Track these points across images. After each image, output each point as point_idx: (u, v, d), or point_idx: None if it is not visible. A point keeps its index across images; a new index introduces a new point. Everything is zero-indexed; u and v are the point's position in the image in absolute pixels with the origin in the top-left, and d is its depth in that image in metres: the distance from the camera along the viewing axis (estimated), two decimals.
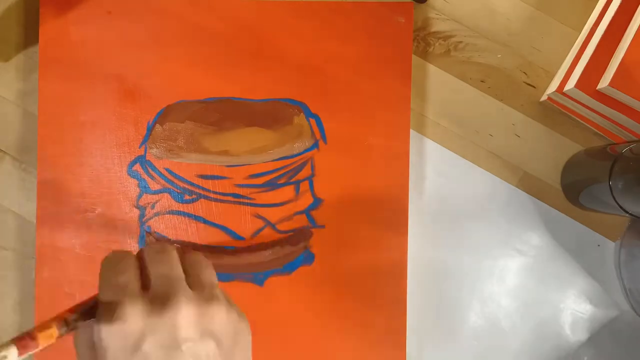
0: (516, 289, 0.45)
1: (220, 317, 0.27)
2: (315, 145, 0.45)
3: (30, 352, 0.24)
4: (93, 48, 0.45)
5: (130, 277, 0.27)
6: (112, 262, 0.27)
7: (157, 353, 0.25)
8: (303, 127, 0.45)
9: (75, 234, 0.44)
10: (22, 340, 0.24)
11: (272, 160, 0.45)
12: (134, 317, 0.25)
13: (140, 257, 0.28)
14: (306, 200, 0.45)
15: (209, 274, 0.28)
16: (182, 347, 0.25)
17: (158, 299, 0.26)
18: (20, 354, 0.24)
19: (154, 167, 0.45)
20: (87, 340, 0.26)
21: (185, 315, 0.25)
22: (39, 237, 0.44)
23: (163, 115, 0.45)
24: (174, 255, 0.28)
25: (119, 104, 0.45)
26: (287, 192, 0.45)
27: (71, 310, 0.26)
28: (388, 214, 0.44)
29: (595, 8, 0.45)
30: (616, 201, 0.38)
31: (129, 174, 0.45)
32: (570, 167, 0.45)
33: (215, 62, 0.45)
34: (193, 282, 0.27)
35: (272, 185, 0.45)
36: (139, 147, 0.45)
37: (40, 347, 0.24)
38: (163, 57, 0.45)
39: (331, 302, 0.44)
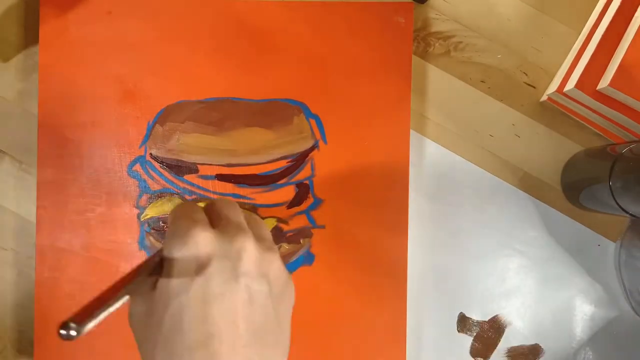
0: (516, 289, 0.45)
1: (277, 265, 0.29)
2: (315, 145, 0.45)
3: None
4: (93, 48, 0.45)
5: (202, 215, 0.29)
6: (184, 207, 0.30)
7: (218, 278, 0.26)
8: (303, 127, 0.45)
9: (75, 234, 0.44)
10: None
11: (272, 161, 0.45)
12: (205, 241, 0.27)
13: (208, 209, 0.31)
14: (306, 200, 0.45)
15: (268, 232, 0.31)
16: (240, 279, 0.27)
17: (227, 234, 0.28)
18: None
19: (154, 167, 0.45)
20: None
21: (249, 253, 0.28)
22: (39, 237, 0.44)
23: (163, 116, 0.45)
24: (241, 210, 0.31)
25: (119, 104, 0.45)
26: (287, 192, 0.45)
27: (135, 272, 0.27)
28: (388, 214, 0.44)
29: (595, 8, 0.45)
30: (616, 201, 0.38)
31: (129, 174, 0.45)
32: (570, 167, 0.45)
33: (215, 62, 0.45)
34: (255, 235, 0.29)
35: (272, 186, 0.45)
36: (139, 148, 0.45)
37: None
38: (163, 57, 0.45)
39: (331, 302, 0.44)
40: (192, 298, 0.25)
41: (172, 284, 0.26)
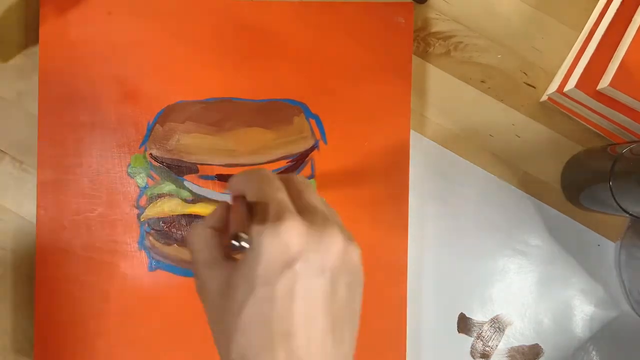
0: (516, 289, 0.45)
1: (356, 256, 0.29)
2: (315, 145, 0.45)
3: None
4: (93, 48, 0.45)
5: (286, 197, 0.28)
6: (266, 178, 0.29)
7: (306, 274, 0.26)
8: (303, 127, 0.45)
9: (75, 234, 0.44)
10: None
11: (272, 161, 0.45)
12: (297, 236, 0.26)
13: (287, 185, 0.29)
14: None
15: (340, 219, 0.30)
16: (326, 273, 0.26)
17: (316, 227, 0.27)
18: None
19: (154, 167, 0.45)
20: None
21: (337, 247, 0.27)
22: (39, 237, 0.44)
23: (163, 116, 0.45)
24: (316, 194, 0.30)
25: (119, 104, 0.45)
26: None
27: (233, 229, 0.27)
28: (388, 214, 0.44)
29: (595, 8, 0.46)
30: (616, 201, 0.38)
31: (129, 175, 0.45)
32: (570, 167, 0.45)
33: (215, 62, 0.45)
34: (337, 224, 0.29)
35: None
36: (139, 148, 0.45)
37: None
38: (163, 57, 0.45)
39: None
40: (278, 291, 0.25)
41: (259, 272, 0.25)
